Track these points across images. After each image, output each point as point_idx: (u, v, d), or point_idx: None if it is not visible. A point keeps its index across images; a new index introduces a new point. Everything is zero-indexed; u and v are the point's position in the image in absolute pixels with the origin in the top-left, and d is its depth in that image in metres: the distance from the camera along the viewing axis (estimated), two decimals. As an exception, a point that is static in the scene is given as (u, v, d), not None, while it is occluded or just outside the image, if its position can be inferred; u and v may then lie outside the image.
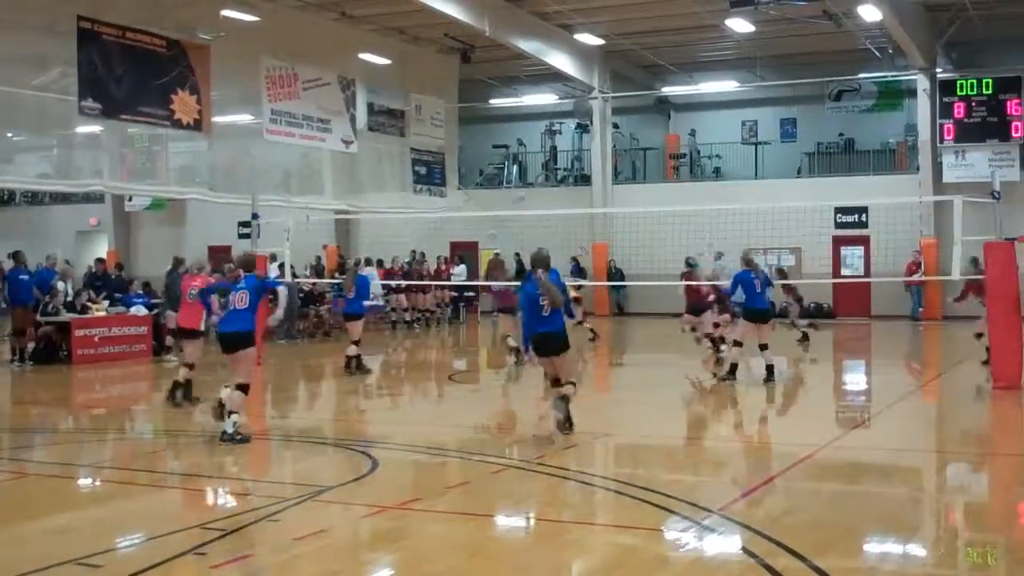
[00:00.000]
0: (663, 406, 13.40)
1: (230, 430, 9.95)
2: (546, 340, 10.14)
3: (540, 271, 10.26)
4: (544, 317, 10.11)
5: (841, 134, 29.69)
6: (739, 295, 14.29)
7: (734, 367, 14.07)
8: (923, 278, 24.96)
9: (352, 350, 15.94)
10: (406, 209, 27.48)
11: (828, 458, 9.49)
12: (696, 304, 16.60)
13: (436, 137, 28.58)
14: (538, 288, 10.11)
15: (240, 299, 10.30)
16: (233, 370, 10.27)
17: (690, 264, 17.06)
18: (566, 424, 10.13)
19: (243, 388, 10.10)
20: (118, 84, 19.11)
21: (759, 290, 14.16)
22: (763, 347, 14.11)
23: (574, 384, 10.50)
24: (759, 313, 14.18)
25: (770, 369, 13.99)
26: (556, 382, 10.46)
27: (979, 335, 15.23)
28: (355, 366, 15.93)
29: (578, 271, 28.11)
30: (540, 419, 10.79)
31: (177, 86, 20.23)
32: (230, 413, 10.03)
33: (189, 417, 12.14)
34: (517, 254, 29.54)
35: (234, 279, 10.70)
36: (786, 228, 24.89)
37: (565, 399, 10.13)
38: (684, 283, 16.80)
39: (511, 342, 16.16)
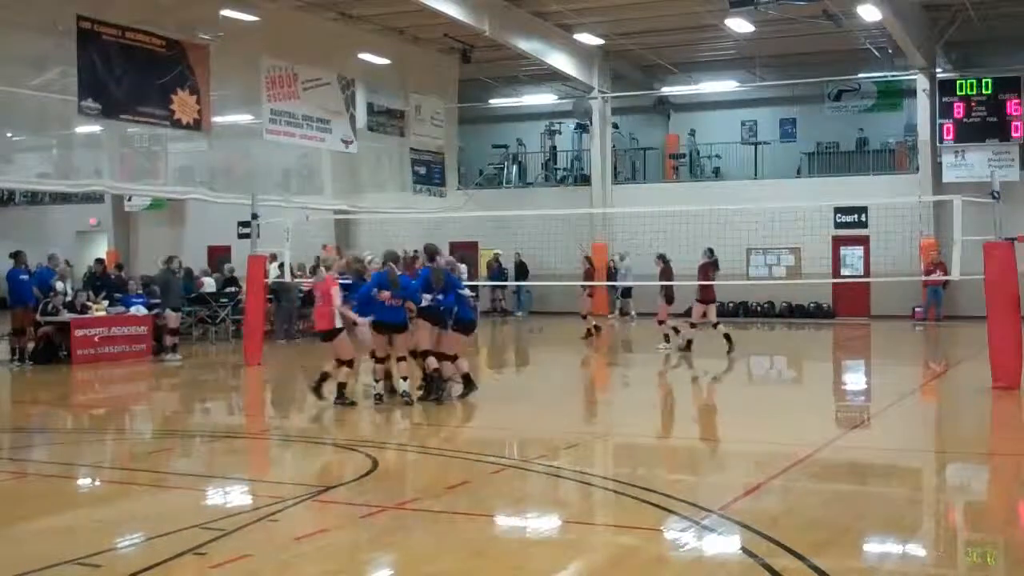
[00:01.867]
0: (663, 406, 13.41)
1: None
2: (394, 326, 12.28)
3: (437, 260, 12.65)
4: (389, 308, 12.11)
5: (841, 134, 29.70)
6: None
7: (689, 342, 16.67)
8: (943, 277, 24.82)
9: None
10: (406, 209, 27.48)
11: (827, 458, 9.49)
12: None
13: (436, 137, 28.58)
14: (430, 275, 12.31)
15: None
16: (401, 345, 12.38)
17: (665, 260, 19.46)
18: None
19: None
20: (118, 84, 19.11)
21: None
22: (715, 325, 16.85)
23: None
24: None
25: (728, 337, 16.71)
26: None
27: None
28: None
29: (499, 274, 28.38)
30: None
31: (177, 86, 20.23)
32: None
33: (189, 417, 12.16)
34: (517, 253, 29.59)
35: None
36: (786, 228, 24.96)
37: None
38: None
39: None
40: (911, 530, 7.31)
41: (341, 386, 12.56)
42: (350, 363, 12.62)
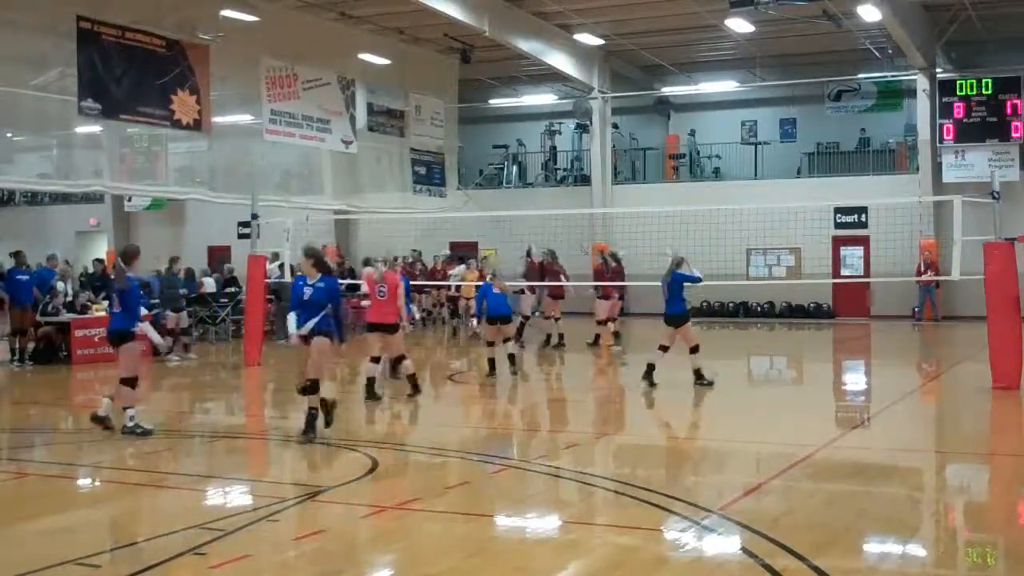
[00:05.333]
0: (662, 406, 13.41)
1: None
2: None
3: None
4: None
5: (841, 134, 29.70)
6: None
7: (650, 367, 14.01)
8: (933, 277, 24.87)
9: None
10: (406, 209, 27.47)
11: (827, 458, 9.50)
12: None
13: (436, 137, 28.57)
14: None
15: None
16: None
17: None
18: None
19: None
20: (118, 84, 19.10)
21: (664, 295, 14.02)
22: (693, 350, 13.96)
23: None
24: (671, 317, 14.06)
25: (697, 373, 13.90)
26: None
27: None
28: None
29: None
30: None
31: (177, 86, 20.21)
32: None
33: (189, 417, 12.15)
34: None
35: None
36: (786, 228, 24.93)
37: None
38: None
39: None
40: (911, 530, 7.31)
41: (412, 377, 13.18)
42: (402, 357, 13.18)
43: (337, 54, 24.68)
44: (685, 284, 13.92)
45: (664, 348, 13.93)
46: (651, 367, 13.85)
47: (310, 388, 10.24)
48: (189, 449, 10.72)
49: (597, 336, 20.44)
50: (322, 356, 10.36)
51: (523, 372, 16.18)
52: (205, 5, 21.00)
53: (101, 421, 10.55)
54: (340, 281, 21.91)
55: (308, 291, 10.35)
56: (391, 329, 13.10)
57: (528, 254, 21.10)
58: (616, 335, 20.23)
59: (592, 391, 15.69)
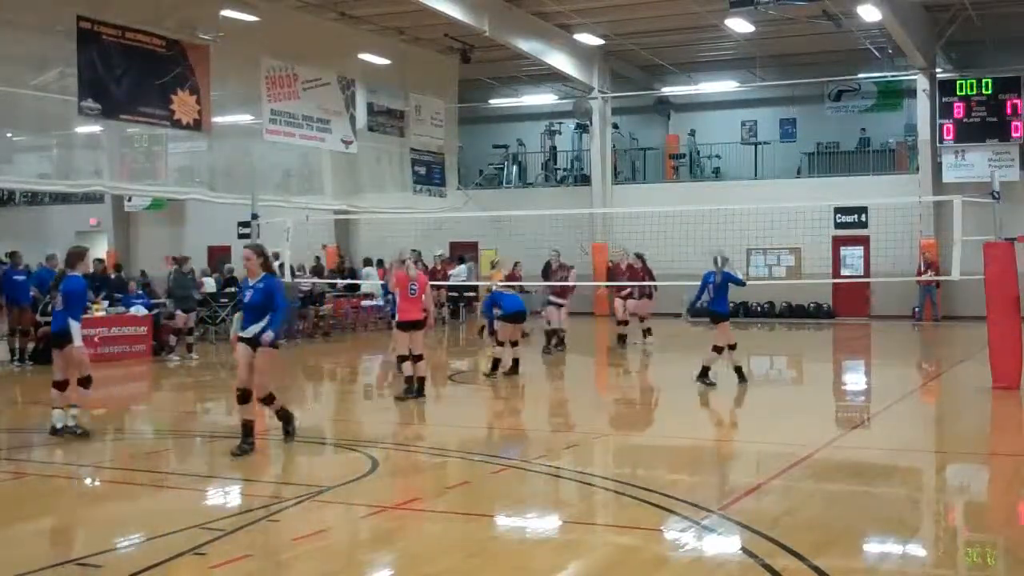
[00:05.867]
0: (663, 406, 13.41)
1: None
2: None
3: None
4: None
5: (841, 134, 29.69)
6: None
7: (705, 369, 14.13)
8: (933, 277, 24.86)
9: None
10: (406, 209, 27.47)
11: (827, 458, 9.49)
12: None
13: (436, 137, 28.57)
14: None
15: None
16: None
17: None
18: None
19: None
20: (118, 84, 19.11)
21: (711, 294, 14.13)
22: (731, 347, 14.23)
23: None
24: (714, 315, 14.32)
25: (739, 370, 14.20)
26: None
27: None
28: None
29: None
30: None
31: (177, 86, 20.22)
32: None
33: (191, 417, 12.15)
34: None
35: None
36: (786, 228, 24.93)
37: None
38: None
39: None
40: (911, 530, 7.31)
41: (423, 380, 13.19)
42: (420, 357, 13.20)
43: (337, 54, 24.68)
44: (729, 285, 14.24)
45: (727, 347, 14.20)
46: (707, 370, 14.11)
47: (242, 398, 9.67)
48: (189, 449, 10.72)
49: (623, 336, 20.08)
50: (268, 367, 9.78)
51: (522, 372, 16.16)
52: (205, 5, 21.00)
53: (66, 431, 10.49)
54: (339, 281, 21.93)
55: (248, 293, 9.80)
56: (421, 326, 13.33)
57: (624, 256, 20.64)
58: (647, 331, 19.92)
59: (595, 392, 15.69)
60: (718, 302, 14.15)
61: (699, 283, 14.34)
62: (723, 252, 14.81)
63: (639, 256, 20.42)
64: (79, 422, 10.56)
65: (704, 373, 13.99)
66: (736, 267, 14.46)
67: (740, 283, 14.60)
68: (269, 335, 9.53)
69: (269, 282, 9.69)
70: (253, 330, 9.61)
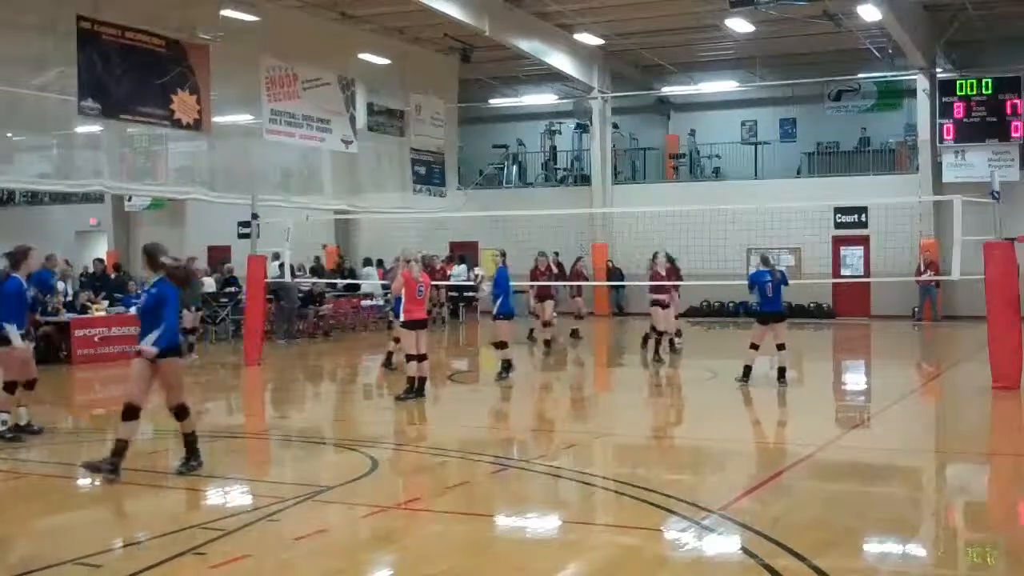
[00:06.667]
0: (663, 406, 13.41)
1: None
2: None
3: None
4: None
5: (841, 134, 29.69)
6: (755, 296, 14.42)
7: (747, 369, 14.14)
8: (933, 277, 24.84)
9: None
10: (406, 209, 27.47)
11: (828, 458, 9.50)
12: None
13: (436, 137, 28.57)
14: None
15: None
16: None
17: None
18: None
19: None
20: (118, 84, 19.09)
21: (770, 293, 14.16)
22: (780, 347, 14.26)
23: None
24: (772, 315, 14.35)
25: (782, 371, 14.14)
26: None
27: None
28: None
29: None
30: None
31: (177, 86, 20.21)
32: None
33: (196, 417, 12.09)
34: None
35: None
36: (786, 228, 24.91)
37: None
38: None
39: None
40: (911, 530, 7.31)
41: (423, 380, 13.23)
42: (424, 356, 13.21)
43: (337, 54, 24.67)
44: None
45: (780, 346, 14.23)
46: (781, 369, 14.16)
47: (127, 414, 8.63)
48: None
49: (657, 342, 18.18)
50: (174, 380, 8.87)
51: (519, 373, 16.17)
52: (205, 5, 20.99)
53: (24, 430, 10.46)
54: (339, 281, 21.91)
55: (142, 297, 8.92)
56: (426, 325, 13.51)
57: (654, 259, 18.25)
58: (677, 332, 19.27)
59: (599, 392, 15.69)
60: (775, 301, 14.21)
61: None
62: (764, 252, 14.97)
63: (669, 258, 18.37)
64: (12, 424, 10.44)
65: (746, 373, 14.03)
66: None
67: (787, 283, 14.58)
68: (150, 349, 8.47)
69: (161, 287, 8.63)
70: (150, 339, 8.51)
